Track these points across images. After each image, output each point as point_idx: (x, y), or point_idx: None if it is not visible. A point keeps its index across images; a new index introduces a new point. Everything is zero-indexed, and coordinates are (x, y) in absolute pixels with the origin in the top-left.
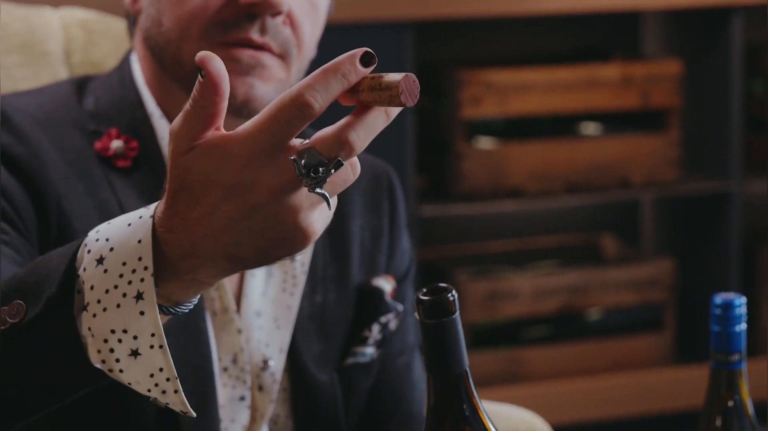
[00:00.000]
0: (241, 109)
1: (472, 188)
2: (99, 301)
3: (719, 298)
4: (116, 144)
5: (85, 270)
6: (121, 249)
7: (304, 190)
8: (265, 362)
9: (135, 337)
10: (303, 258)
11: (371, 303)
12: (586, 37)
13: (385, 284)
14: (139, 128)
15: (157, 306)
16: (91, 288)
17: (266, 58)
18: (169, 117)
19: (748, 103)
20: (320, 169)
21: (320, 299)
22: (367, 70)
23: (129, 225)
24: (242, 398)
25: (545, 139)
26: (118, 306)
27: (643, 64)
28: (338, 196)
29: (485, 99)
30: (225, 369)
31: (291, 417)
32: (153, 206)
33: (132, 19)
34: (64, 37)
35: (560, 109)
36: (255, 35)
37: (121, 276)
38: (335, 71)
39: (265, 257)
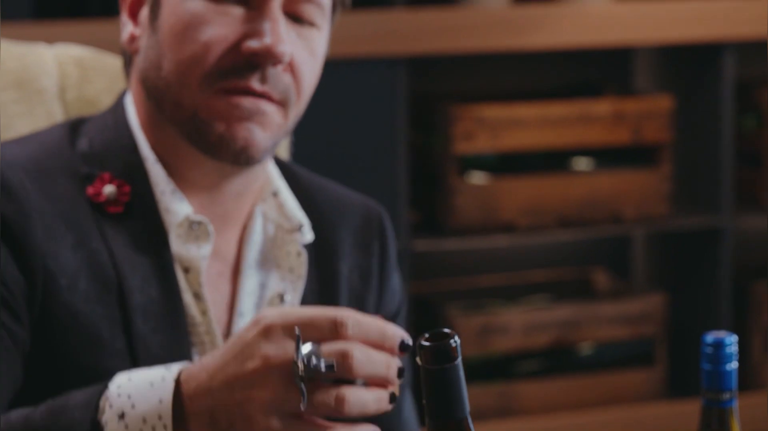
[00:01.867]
0: (239, 154)
1: (464, 223)
2: None
3: (710, 337)
4: (109, 189)
5: (107, 424)
6: (142, 407)
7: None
8: None
9: None
10: (292, 299)
11: None
12: (578, 72)
13: None
14: (133, 173)
15: None
16: None
17: (266, 105)
18: (163, 161)
19: (739, 139)
20: (313, 358)
21: None
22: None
23: (151, 385)
24: None
25: (537, 174)
26: None
27: (634, 100)
28: (328, 236)
29: (477, 134)
30: None
31: None
32: (175, 368)
33: (128, 58)
34: (59, 74)
35: (552, 145)
36: (255, 84)
37: None
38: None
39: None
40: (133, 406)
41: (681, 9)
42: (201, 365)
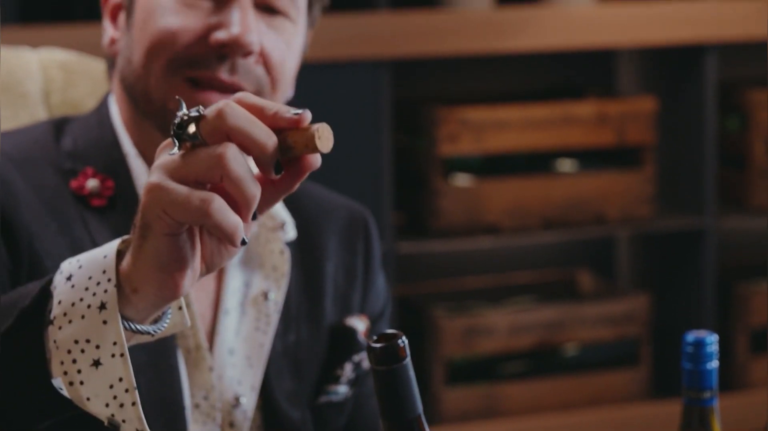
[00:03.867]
0: None
1: (448, 225)
2: (65, 314)
3: (691, 336)
4: (92, 183)
5: (55, 288)
6: (88, 266)
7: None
8: (237, 399)
9: (98, 346)
10: (276, 298)
11: (344, 342)
12: (561, 74)
13: (359, 323)
14: (115, 168)
15: (119, 316)
16: (59, 302)
17: None
18: (145, 157)
19: (722, 140)
20: (188, 111)
21: (293, 337)
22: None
23: (102, 249)
24: None
25: (521, 176)
26: (83, 317)
27: (618, 102)
28: (313, 236)
29: (462, 136)
30: (197, 406)
31: None
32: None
33: (111, 62)
34: (43, 78)
35: (536, 146)
36: (224, 75)
37: (86, 289)
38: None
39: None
40: (80, 267)
41: (664, 11)
42: None
